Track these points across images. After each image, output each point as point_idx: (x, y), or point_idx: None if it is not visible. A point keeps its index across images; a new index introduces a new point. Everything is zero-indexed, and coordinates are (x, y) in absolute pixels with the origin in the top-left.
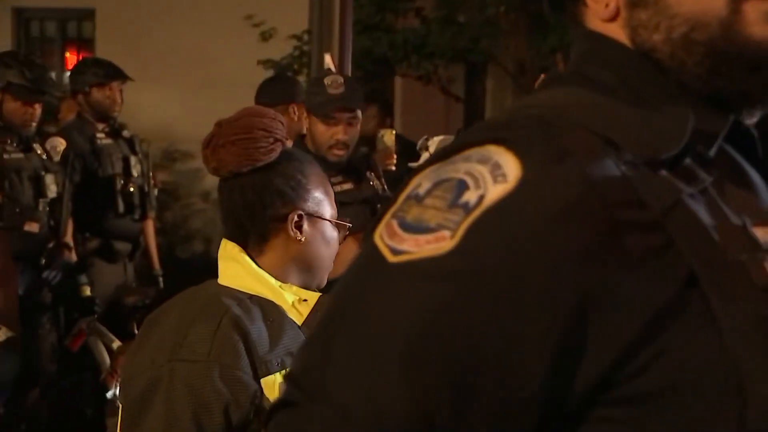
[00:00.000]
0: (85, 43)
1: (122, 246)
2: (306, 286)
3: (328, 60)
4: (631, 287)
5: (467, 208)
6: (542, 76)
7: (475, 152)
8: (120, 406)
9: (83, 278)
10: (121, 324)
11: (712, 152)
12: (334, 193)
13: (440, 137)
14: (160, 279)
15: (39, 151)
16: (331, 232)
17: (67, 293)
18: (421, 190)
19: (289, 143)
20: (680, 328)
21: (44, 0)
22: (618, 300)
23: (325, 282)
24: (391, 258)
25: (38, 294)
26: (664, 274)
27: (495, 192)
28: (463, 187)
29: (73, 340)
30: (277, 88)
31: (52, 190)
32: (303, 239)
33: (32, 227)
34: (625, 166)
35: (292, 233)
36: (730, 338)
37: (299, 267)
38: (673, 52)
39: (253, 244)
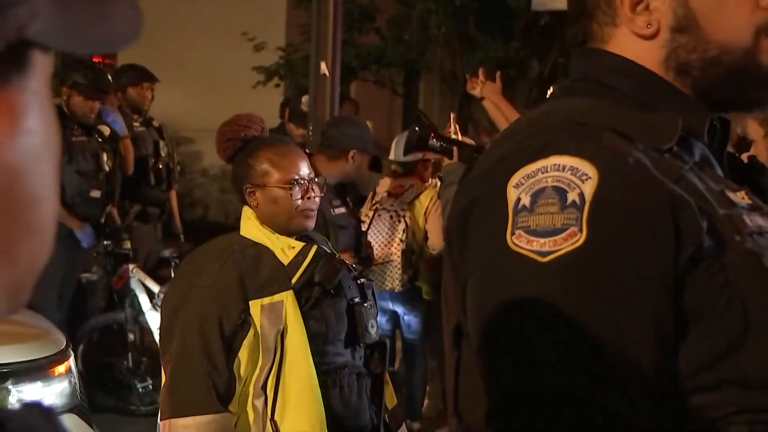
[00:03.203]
0: (110, 53)
1: (153, 210)
2: (288, 234)
3: (323, 67)
4: (688, 218)
5: (577, 206)
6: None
7: (545, 164)
8: (159, 317)
9: (124, 235)
10: (158, 270)
11: (700, 142)
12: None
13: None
14: (181, 236)
15: (95, 135)
16: (276, 194)
17: (114, 246)
18: (527, 203)
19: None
20: (708, 263)
21: None
22: (683, 219)
23: (303, 229)
24: (542, 259)
25: (97, 246)
26: (695, 214)
27: (589, 188)
28: (562, 191)
29: (117, 280)
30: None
31: (108, 165)
32: (256, 204)
33: (96, 193)
34: (640, 152)
35: (249, 201)
36: (732, 272)
37: (270, 223)
38: (703, 69)
39: None
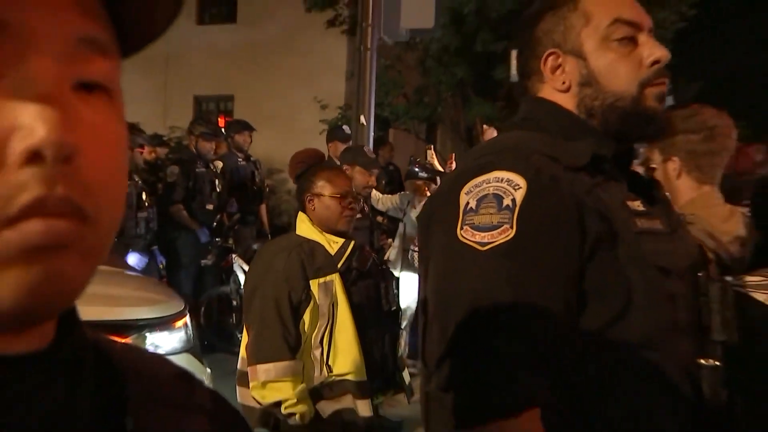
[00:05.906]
0: (229, 113)
1: (250, 218)
2: (334, 233)
3: (362, 119)
4: (591, 220)
5: (510, 209)
6: (485, 128)
7: (489, 177)
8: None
9: (230, 233)
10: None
11: (607, 166)
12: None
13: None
14: (269, 236)
15: (211, 167)
16: (329, 202)
17: (222, 241)
18: (473, 206)
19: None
20: (604, 253)
21: (209, 90)
22: (588, 221)
23: (344, 228)
24: (482, 248)
25: (211, 241)
26: (597, 217)
27: (519, 195)
28: (499, 197)
29: (224, 264)
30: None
31: (219, 188)
32: (314, 209)
33: (209, 207)
34: (560, 170)
35: (308, 207)
36: (623, 261)
37: (321, 224)
38: (604, 112)
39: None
